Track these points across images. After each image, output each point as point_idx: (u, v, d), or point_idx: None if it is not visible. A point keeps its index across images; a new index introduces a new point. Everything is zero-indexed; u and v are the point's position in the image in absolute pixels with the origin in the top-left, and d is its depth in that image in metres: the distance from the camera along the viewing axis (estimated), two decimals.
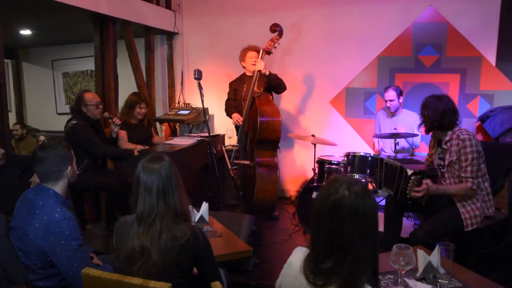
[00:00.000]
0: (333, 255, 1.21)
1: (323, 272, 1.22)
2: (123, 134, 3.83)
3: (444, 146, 2.72)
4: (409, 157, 3.49)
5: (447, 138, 2.69)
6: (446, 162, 2.70)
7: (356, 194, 1.20)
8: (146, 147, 3.76)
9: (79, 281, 1.67)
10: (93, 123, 3.64)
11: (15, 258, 1.86)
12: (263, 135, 3.92)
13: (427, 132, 2.82)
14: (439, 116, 2.65)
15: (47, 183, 1.96)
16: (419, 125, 2.92)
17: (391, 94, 3.99)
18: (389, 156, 3.48)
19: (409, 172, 2.60)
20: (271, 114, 3.93)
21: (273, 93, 4.29)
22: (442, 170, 2.79)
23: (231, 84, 4.45)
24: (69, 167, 2.01)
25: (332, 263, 1.21)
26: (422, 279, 1.82)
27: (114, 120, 3.64)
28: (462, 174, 2.60)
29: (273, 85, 4.15)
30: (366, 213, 1.20)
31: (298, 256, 1.35)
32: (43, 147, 1.97)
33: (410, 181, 2.61)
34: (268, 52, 4.12)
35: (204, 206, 2.55)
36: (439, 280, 1.80)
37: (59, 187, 1.98)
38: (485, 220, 2.69)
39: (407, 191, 2.63)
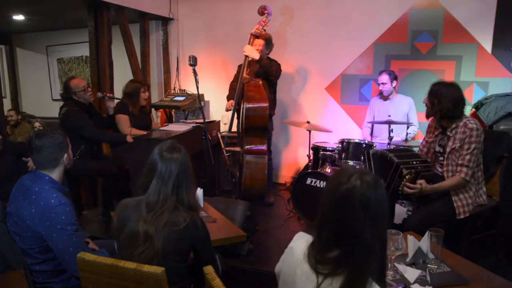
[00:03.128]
0: (342, 245, 1.20)
1: (330, 261, 1.21)
2: (124, 118, 3.82)
3: (448, 133, 2.70)
4: (403, 147, 3.50)
5: (454, 125, 2.67)
6: (448, 149, 2.69)
7: (368, 184, 1.19)
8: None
9: (74, 266, 1.70)
10: (86, 108, 3.65)
11: (12, 243, 1.88)
12: (250, 121, 3.87)
13: (437, 120, 2.76)
14: (453, 105, 2.61)
15: (44, 170, 1.97)
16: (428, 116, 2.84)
17: (384, 77, 4.02)
18: (389, 145, 3.49)
19: (405, 172, 2.58)
20: (257, 100, 3.86)
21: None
22: (441, 157, 2.79)
23: (239, 67, 4.37)
24: (65, 155, 2.03)
25: (339, 252, 1.20)
26: (412, 264, 1.86)
27: (108, 95, 3.67)
28: (459, 161, 2.60)
29: (263, 71, 4.08)
30: (378, 203, 1.19)
31: (300, 243, 1.33)
32: (39, 135, 1.97)
33: (404, 179, 2.60)
34: (256, 36, 4.04)
35: (199, 191, 2.57)
36: (428, 265, 1.83)
37: (55, 174, 2.00)
38: (477, 207, 2.71)
39: (400, 188, 2.63)
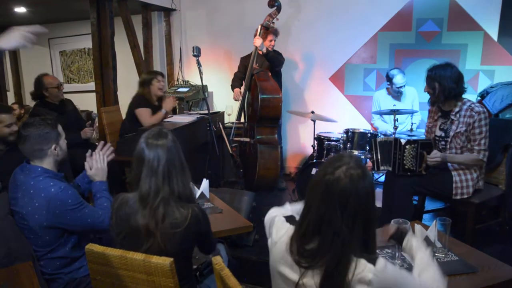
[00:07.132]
0: (321, 235, 1.20)
1: (309, 254, 1.22)
2: (146, 112, 3.69)
3: (452, 117, 2.70)
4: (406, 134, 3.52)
5: (457, 109, 2.68)
6: (451, 133, 2.70)
7: (351, 178, 1.19)
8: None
9: (100, 226, 1.90)
10: (55, 107, 3.52)
11: (19, 235, 1.87)
12: (264, 112, 3.93)
13: (442, 103, 2.74)
14: (455, 82, 2.62)
15: (33, 161, 1.93)
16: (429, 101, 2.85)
17: (401, 80, 3.93)
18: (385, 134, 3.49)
19: (403, 142, 2.67)
20: (271, 91, 3.94)
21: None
22: (442, 141, 2.80)
23: (242, 59, 4.41)
24: (53, 146, 1.93)
25: (318, 244, 1.21)
26: None
27: (95, 126, 3.59)
28: (476, 147, 2.63)
29: (270, 63, 4.13)
30: (359, 199, 1.19)
31: (283, 235, 1.36)
32: (26, 124, 1.90)
33: (406, 150, 2.67)
34: (266, 27, 4.05)
35: (205, 183, 2.57)
36: (436, 254, 1.83)
37: (46, 163, 1.93)
38: (482, 195, 2.73)
39: (404, 161, 2.68)
